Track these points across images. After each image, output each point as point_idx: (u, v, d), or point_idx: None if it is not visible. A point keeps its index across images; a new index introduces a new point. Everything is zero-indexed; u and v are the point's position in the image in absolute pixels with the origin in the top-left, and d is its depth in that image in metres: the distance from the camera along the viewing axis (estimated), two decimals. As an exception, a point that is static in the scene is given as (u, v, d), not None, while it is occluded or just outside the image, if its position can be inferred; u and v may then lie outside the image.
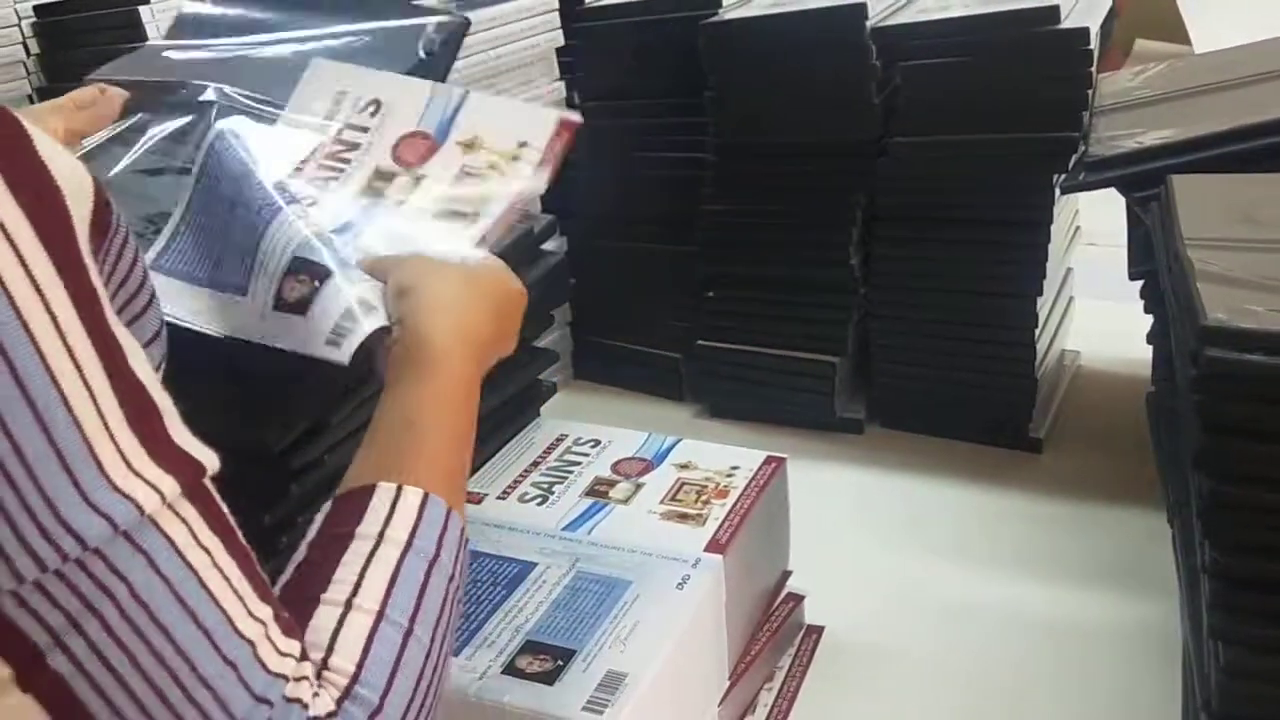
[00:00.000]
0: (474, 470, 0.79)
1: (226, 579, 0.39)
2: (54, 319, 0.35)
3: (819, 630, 0.81)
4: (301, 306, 0.58)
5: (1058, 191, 0.92)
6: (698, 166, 1.05)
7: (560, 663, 0.61)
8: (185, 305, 0.62)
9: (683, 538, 0.71)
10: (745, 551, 0.72)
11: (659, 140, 1.07)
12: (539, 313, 0.87)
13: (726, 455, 0.80)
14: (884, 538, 0.91)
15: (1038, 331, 0.96)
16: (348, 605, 0.43)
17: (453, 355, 0.55)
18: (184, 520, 0.38)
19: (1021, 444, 0.99)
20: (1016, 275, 0.94)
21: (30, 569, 0.34)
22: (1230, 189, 0.72)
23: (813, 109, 0.97)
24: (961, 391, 1.00)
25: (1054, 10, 0.87)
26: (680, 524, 0.73)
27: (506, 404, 0.83)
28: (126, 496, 0.36)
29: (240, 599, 0.39)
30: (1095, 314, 1.15)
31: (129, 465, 0.36)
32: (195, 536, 0.38)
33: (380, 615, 0.43)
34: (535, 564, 0.69)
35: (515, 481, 0.78)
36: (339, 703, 0.41)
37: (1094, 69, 0.93)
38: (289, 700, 0.39)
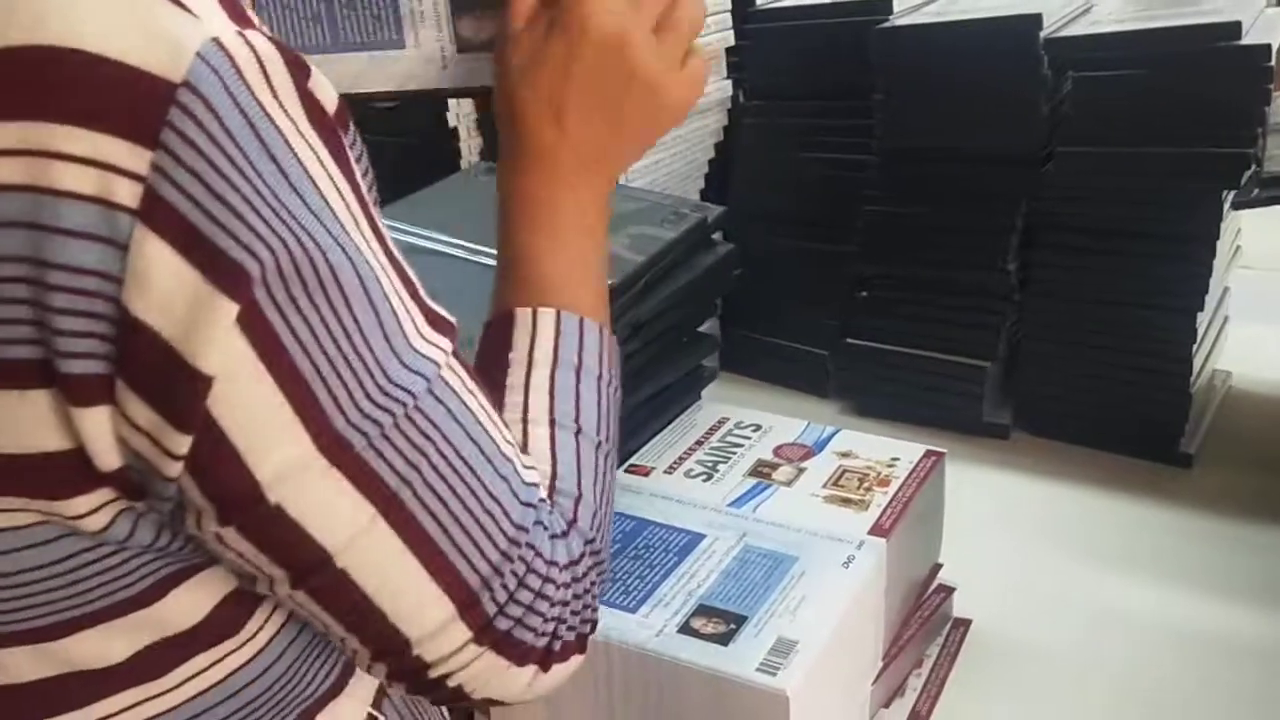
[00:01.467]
0: (642, 443, 0.83)
1: (489, 413, 0.46)
2: (353, 215, 0.40)
3: (967, 623, 0.82)
4: (491, 44, 0.59)
5: (1226, 207, 0.92)
6: (859, 168, 1.07)
7: (733, 626, 0.64)
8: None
9: (846, 520, 0.73)
10: (905, 539, 0.74)
11: (822, 141, 1.10)
12: (705, 300, 0.90)
13: (887, 446, 0.82)
14: (1029, 541, 0.92)
15: (1195, 347, 0.96)
16: (525, 420, 0.51)
17: (558, 144, 0.55)
18: (456, 373, 0.44)
19: (1171, 458, 0.99)
20: (1179, 290, 0.95)
21: (386, 419, 0.41)
22: None
23: (981, 116, 0.99)
24: (1112, 403, 1.01)
25: (1235, 26, 0.88)
26: (843, 508, 0.75)
27: (671, 386, 0.86)
28: (426, 357, 0.42)
29: (500, 429, 0.47)
30: (1249, 337, 1.14)
31: (420, 332, 0.43)
32: (464, 383, 0.45)
33: (552, 423, 0.51)
34: (704, 535, 0.72)
35: (680, 458, 0.82)
36: (550, 495, 0.49)
37: (1271, 86, 0.93)
38: (542, 500, 0.48)
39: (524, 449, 0.50)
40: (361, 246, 0.40)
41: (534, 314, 0.54)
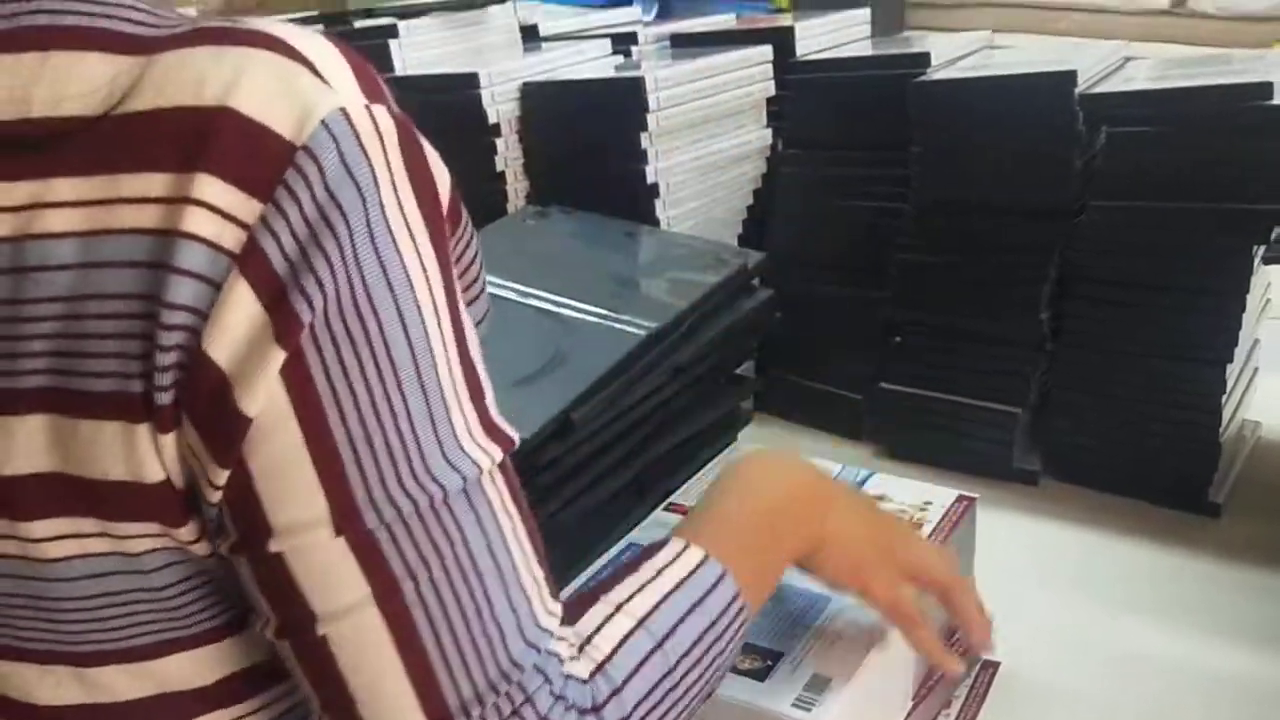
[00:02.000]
0: (680, 482, 0.85)
1: (520, 541, 0.45)
2: (434, 303, 0.42)
3: (995, 665, 0.84)
4: None
5: (1257, 262, 0.93)
6: (894, 216, 1.09)
7: (769, 663, 0.66)
8: None
9: (880, 563, 0.75)
10: (936, 582, 0.76)
11: (859, 190, 1.12)
12: (744, 344, 0.92)
13: (920, 490, 0.84)
14: (1057, 586, 0.94)
15: (1224, 399, 0.98)
16: (617, 608, 0.50)
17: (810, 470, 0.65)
18: (498, 486, 0.44)
19: (1200, 508, 1.01)
20: (1209, 342, 0.96)
21: (406, 506, 0.41)
22: None
23: (1015, 170, 1.01)
24: (1142, 452, 1.02)
25: (1267, 86, 0.90)
26: (877, 550, 0.77)
27: (710, 426, 0.89)
28: (471, 458, 0.42)
29: (527, 559, 0.45)
30: (1278, 388, 1.15)
31: (470, 433, 0.43)
32: (504, 500, 0.44)
33: (640, 623, 0.50)
34: (742, 573, 0.74)
35: (718, 498, 0.84)
36: (591, 675, 0.47)
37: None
38: (550, 653, 0.46)
39: (597, 630, 0.49)
40: (431, 331, 0.41)
41: (686, 545, 0.55)
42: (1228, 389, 0.98)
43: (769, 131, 1.16)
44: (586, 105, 1.06)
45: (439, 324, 0.42)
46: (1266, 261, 0.91)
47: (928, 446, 1.11)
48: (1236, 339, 0.96)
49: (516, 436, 0.46)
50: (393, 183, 0.40)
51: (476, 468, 0.43)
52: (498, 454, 0.44)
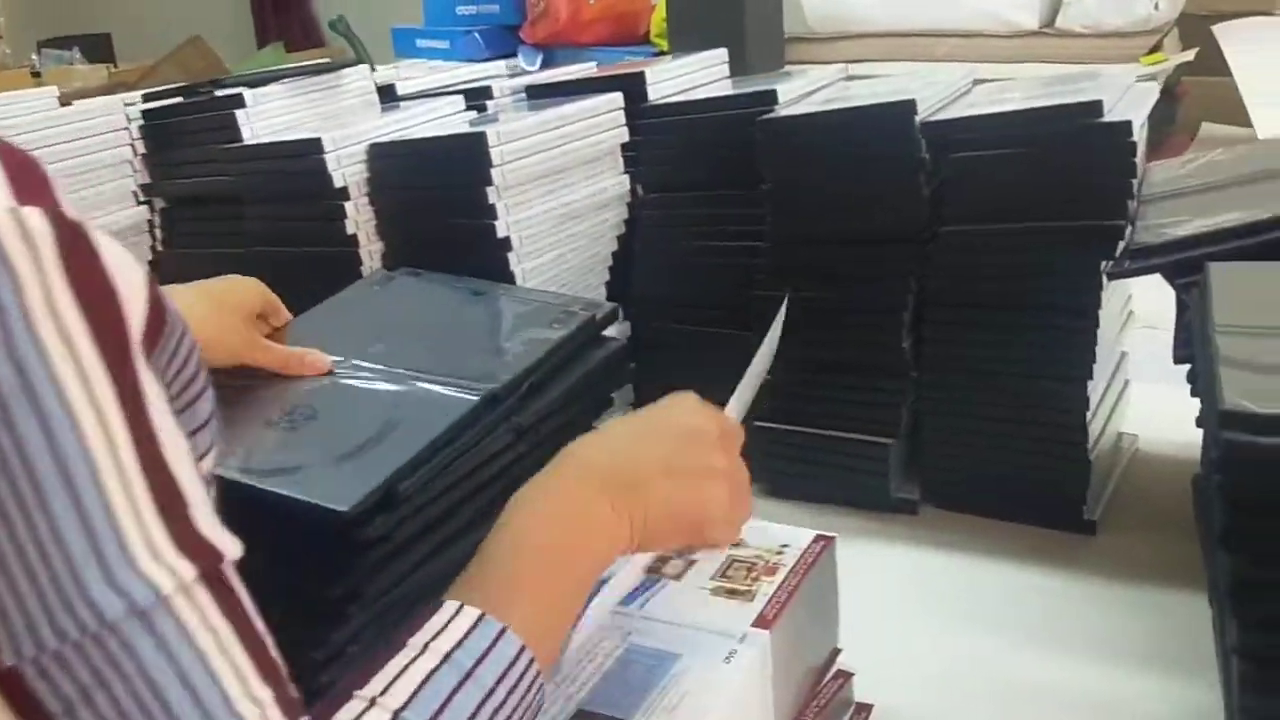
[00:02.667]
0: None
1: (231, 661, 0.41)
2: (98, 416, 0.39)
3: (868, 708, 0.82)
4: None
5: (1105, 278, 0.94)
6: (753, 254, 1.09)
7: (613, 731, 0.64)
8: None
9: (731, 613, 0.73)
10: (792, 627, 0.74)
11: (717, 230, 1.12)
12: (600, 395, 0.91)
13: (777, 534, 0.82)
14: (937, 616, 0.92)
15: (1089, 415, 0.98)
16: (372, 702, 0.47)
17: (584, 484, 0.60)
18: (197, 605, 0.40)
19: (1076, 526, 1.00)
20: (1067, 359, 0.96)
21: (51, 639, 0.37)
22: (1267, 276, 0.74)
23: (864, 200, 1.01)
24: (1015, 474, 1.02)
25: (1097, 105, 0.91)
26: (729, 599, 0.75)
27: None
28: (146, 578, 0.39)
29: (242, 681, 0.41)
30: (1153, 397, 1.15)
31: (152, 550, 0.39)
32: (206, 620, 0.41)
33: (396, 714, 0.46)
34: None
35: (575, 557, 0.82)
36: None
37: (1139, 159, 0.96)
38: None
39: None
40: (91, 446, 0.38)
41: (460, 608, 0.51)
42: (1092, 406, 0.98)
43: (626, 178, 1.15)
44: (432, 163, 1.04)
45: (105, 437, 0.39)
46: (1111, 276, 0.92)
47: (808, 482, 1.10)
48: (1094, 355, 0.96)
49: (232, 548, 0.42)
50: (43, 288, 0.38)
51: (154, 589, 0.39)
52: (190, 571, 0.40)
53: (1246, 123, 1.74)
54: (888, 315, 1.02)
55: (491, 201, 1.00)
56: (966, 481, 1.04)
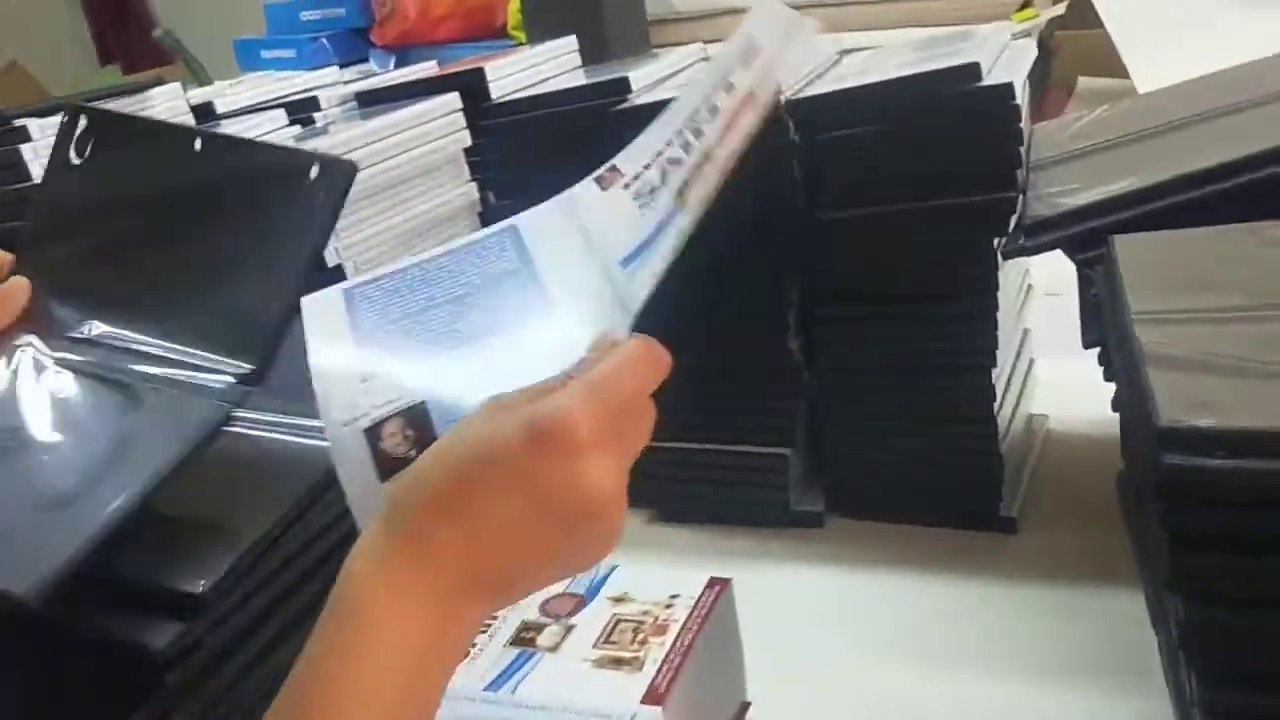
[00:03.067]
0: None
1: None
2: None
3: (783, 757, 0.73)
4: None
5: (1000, 257, 0.85)
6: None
7: None
8: None
9: (618, 687, 0.63)
10: (690, 695, 0.65)
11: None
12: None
13: (665, 582, 0.72)
14: (855, 645, 0.84)
15: (997, 404, 0.90)
16: None
17: (443, 599, 0.43)
18: None
19: (994, 524, 0.92)
20: (966, 349, 0.88)
21: None
22: (1178, 248, 0.66)
23: (735, 190, 0.91)
24: (923, 474, 0.94)
25: (974, 68, 0.82)
26: (616, 670, 0.65)
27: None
28: None
29: None
30: (1061, 371, 1.07)
31: None
32: None
33: None
34: (453, 735, 0.62)
35: (435, 634, 0.71)
36: None
37: (1024, 123, 0.88)
38: None
39: None
40: None
41: None
42: (998, 394, 0.90)
43: (472, 186, 1.03)
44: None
45: None
46: (1006, 255, 0.83)
47: (699, 504, 1.01)
48: (995, 341, 0.88)
49: None
50: None
51: None
52: None
53: (1124, 74, 1.69)
54: (770, 315, 0.93)
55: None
56: (873, 487, 0.96)
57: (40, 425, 0.61)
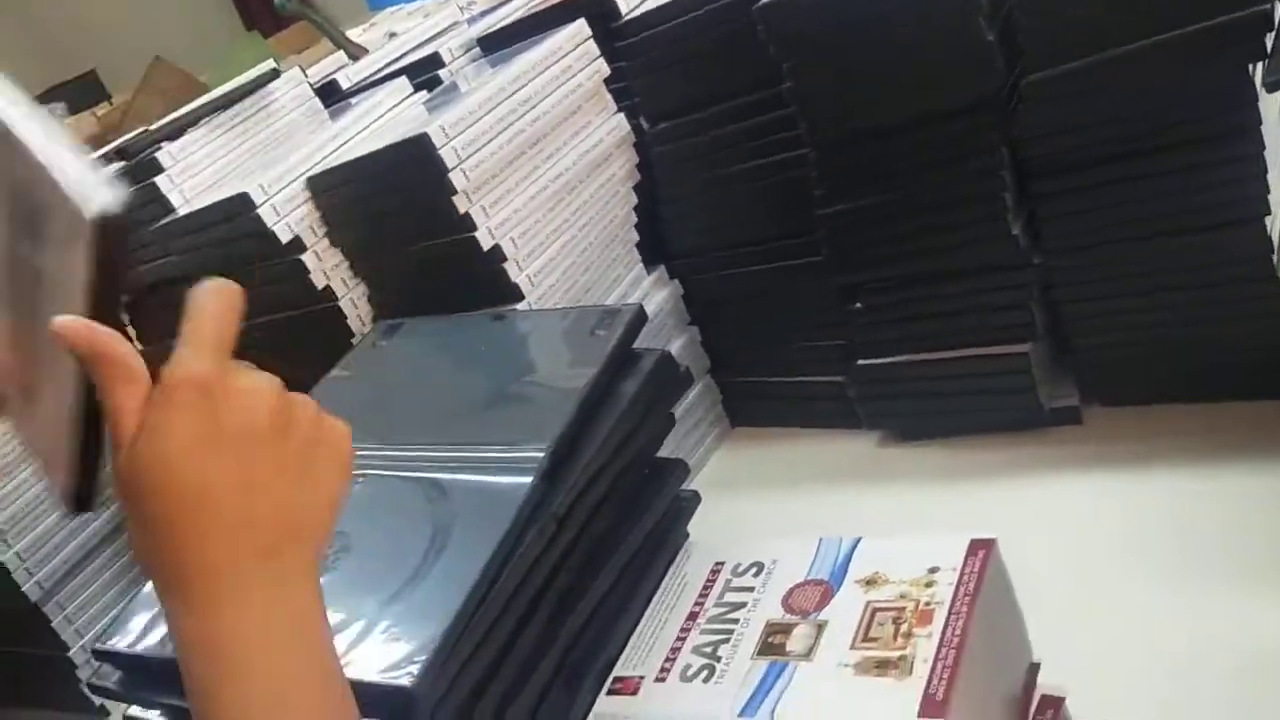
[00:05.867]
0: (624, 642, 0.66)
1: None
2: None
3: (1058, 701, 0.63)
4: None
5: (1263, 89, 0.70)
6: (801, 166, 0.87)
7: None
8: None
9: (889, 700, 0.55)
10: (972, 691, 0.56)
11: (749, 148, 0.90)
12: (653, 428, 0.72)
13: (919, 553, 0.63)
14: (1151, 562, 0.72)
15: (1276, 257, 0.75)
16: None
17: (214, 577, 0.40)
18: None
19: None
20: (1229, 200, 0.74)
21: None
22: None
23: (917, 71, 0.78)
24: (1193, 348, 0.80)
25: None
26: (881, 677, 0.57)
27: (641, 549, 0.69)
28: None
29: None
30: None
31: None
32: None
33: None
34: (716, 775, 0.55)
35: (674, 649, 0.64)
36: None
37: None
38: None
39: None
40: None
41: None
42: (1275, 246, 0.75)
43: (621, 117, 0.93)
44: (381, 183, 0.83)
45: None
46: (1270, 88, 0.68)
47: (938, 419, 0.91)
48: (1266, 186, 0.73)
49: None
50: None
51: None
52: None
53: None
54: (983, 202, 0.80)
55: (463, 211, 0.80)
56: (1136, 369, 0.83)
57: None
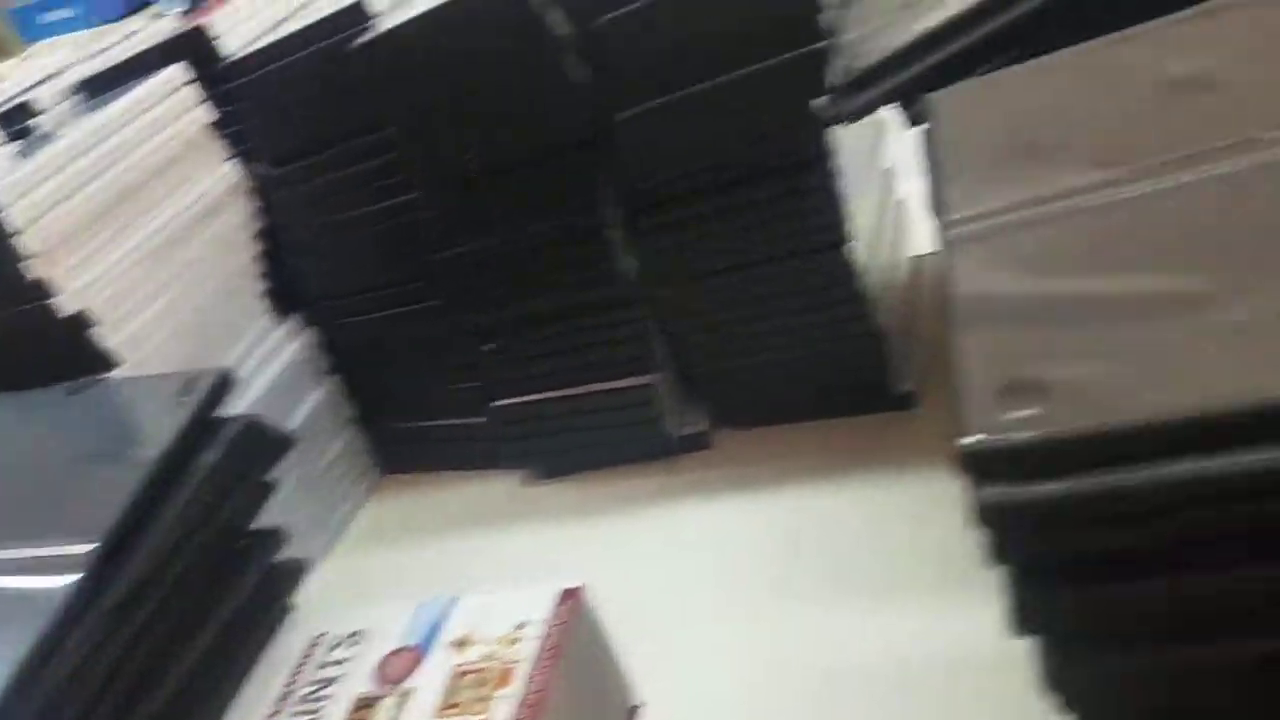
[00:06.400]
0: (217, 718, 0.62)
1: None
2: None
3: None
4: None
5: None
6: (416, 209, 0.85)
7: None
8: None
9: (464, 767, 0.54)
10: (552, 749, 0.56)
11: (365, 191, 0.88)
12: (248, 487, 0.68)
13: (512, 609, 0.62)
14: (768, 583, 0.74)
15: (859, 279, 0.79)
16: None
17: None
18: None
19: (889, 403, 0.83)
20: (812, 228, 0.77)
21: None
22: (1003, 101, 0.54)
23: (515, 111, 0.78)
24: (803, 369, 0.83)
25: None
26: (462, 739, 0.56)
27: (232, 622, 0.65)
28: None
29: None
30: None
31: None
32: None
33: None
34: None
35: (264, 731, 0.61)
36: None
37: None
38: None
39: None
40: None
41: None
42: (861, 264, 0.79)
43: (231, 165, 0.89)
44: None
45: None
46: (830, 121, 0.70)
47: (574, 454, 0.91)
48: (842, 215, 0.76)
49: None
50: None
51: None
52: None
53: None
54: (589, 239, 0.81)
55: (36, 276, 0.75)
56: (754, 393, 0.86)
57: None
